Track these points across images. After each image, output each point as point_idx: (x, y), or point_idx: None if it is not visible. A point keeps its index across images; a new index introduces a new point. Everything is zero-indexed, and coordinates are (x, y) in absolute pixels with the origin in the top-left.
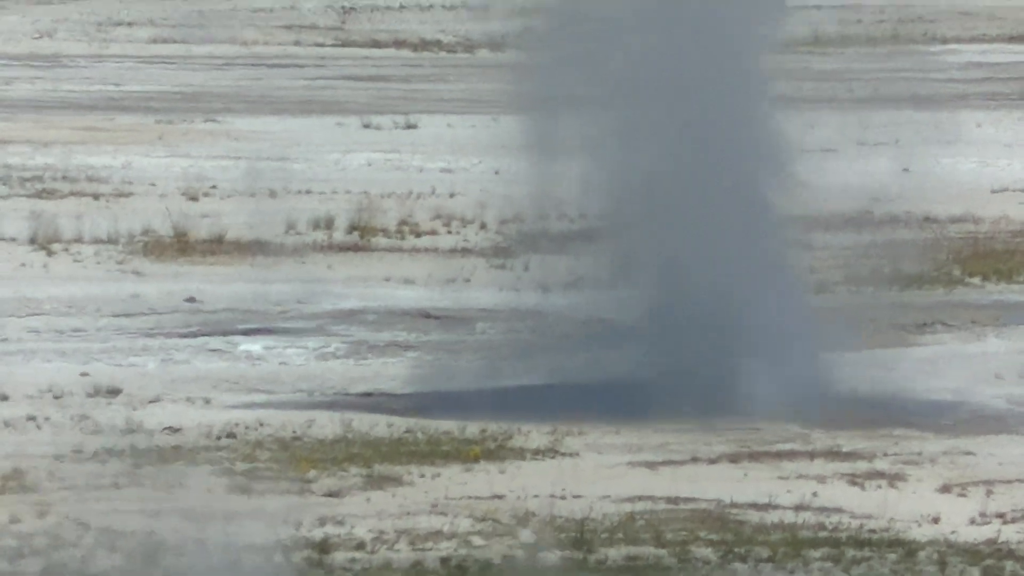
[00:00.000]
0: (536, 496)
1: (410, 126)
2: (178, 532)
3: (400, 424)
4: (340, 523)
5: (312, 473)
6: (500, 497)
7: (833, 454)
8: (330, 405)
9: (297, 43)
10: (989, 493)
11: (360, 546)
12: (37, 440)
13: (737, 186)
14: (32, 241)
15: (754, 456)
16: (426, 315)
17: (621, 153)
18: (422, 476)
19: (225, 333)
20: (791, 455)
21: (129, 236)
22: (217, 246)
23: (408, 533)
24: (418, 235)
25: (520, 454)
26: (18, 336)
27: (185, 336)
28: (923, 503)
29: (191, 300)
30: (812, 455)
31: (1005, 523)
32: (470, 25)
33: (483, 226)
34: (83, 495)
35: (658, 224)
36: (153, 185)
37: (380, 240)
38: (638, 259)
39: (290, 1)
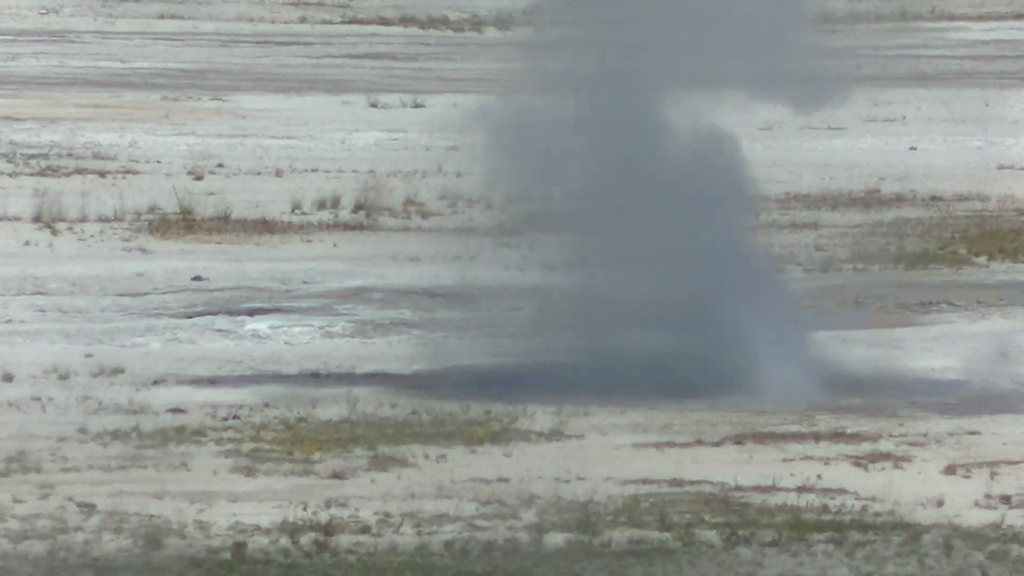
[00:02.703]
0: (541, 478)
1: (417, 105)
2: (182, 514)
3: (405, 405)
4: (344, 505)
5: (317, 454)
6: (505, 480)
7: (838, 435)
8: (335, 385)
9: (304, 20)
10: (994, 475)
11: (365, 529)
12: (41, 421)
13: (737, 167)
14: (37, 219)
15: (758, 438)
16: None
17: (621, 134)
18: (427, 457)
19: (230, 312)
20: (796, 437)
21: (135, 214)
22: (223, 224)
23: (413, 516)
24: (424, 215)
25: (525, 436)
26: (22, 316)
27: (190, 316)
28: (928, 485)
29: (197, 279)
30: (816, 437)
31: (1011, 507)
32: (478, 3)
33: (489, 205)
34: (87, 476)
35: (656, 204)
36: (159, 163)
37: (386, 219)
38: (640, 239)
39: None
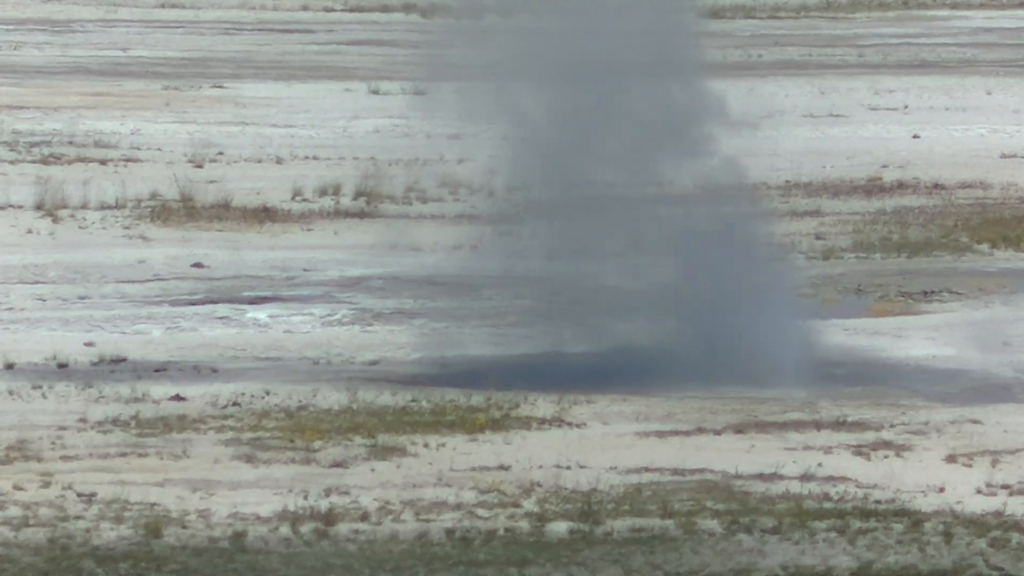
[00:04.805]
0: (542, 467)
1: (418, 92)
2: (183, 502)
3: (405, 393)
4: (345, 493)
5: (317, 443)
6: (506, 468)
7: (839, 424)
8: (336, 374)
9: (306, 8)
10: (995, 463)
11: (365, 517)
12: (41, 409)
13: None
14: (39, 207)
15: (760, 426)
16: None
17: (622, 121)
18: (427, 446)
19: (232, 300)
20: (797, 425)
21: (136, 202)
22: (224, 212)
23: (413, 504)
24: (425, 202)
25: (526, 423)
26: (23, 303)
27: (191, 303)
28: (929, 473)
29: (198, 266)
30: (818, 425)
31: (1011, 494)
32: None
33: (491, 193)
34: (87, 465)
35: (654, 195)
36: (160, 150)
37: (387, 207)
38: (639, 230)
39: None
